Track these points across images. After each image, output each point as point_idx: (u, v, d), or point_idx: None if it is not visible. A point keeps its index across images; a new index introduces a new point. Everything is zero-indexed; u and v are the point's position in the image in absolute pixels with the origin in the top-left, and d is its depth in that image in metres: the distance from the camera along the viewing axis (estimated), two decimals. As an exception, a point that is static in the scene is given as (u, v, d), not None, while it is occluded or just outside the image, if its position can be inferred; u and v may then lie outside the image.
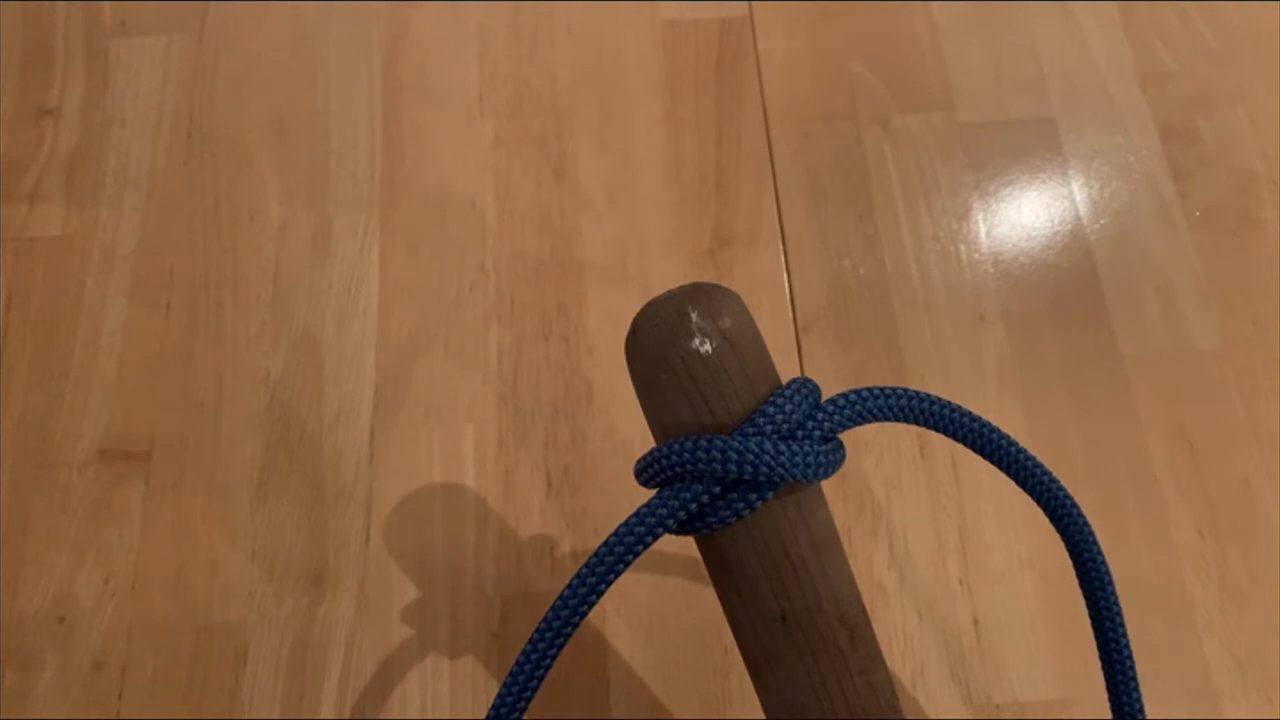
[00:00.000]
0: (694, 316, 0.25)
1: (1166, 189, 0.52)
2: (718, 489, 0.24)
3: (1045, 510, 0.29)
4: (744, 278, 0.49)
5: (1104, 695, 0.31)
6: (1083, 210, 0.52)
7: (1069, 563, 0.30)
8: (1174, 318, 0.49)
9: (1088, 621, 0.30)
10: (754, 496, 0.24)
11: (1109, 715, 0.31)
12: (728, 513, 0.25)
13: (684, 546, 0.44)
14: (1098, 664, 0.31)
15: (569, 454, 0.46)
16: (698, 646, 0.42)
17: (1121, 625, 0.30)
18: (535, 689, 0.26)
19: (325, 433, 0.46)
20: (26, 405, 0.46)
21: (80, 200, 0.51)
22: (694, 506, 0.24)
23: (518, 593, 0.43)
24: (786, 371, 0.40)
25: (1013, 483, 0.29)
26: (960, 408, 0.27)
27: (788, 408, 0.25)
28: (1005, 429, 0.28)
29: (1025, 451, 0.28)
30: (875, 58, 0.55)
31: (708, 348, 0.24)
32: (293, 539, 0.44)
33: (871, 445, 0.46)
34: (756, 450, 0.24)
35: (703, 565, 0.27)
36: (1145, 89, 0.55)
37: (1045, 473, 0.28)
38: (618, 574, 0.25)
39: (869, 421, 0.26)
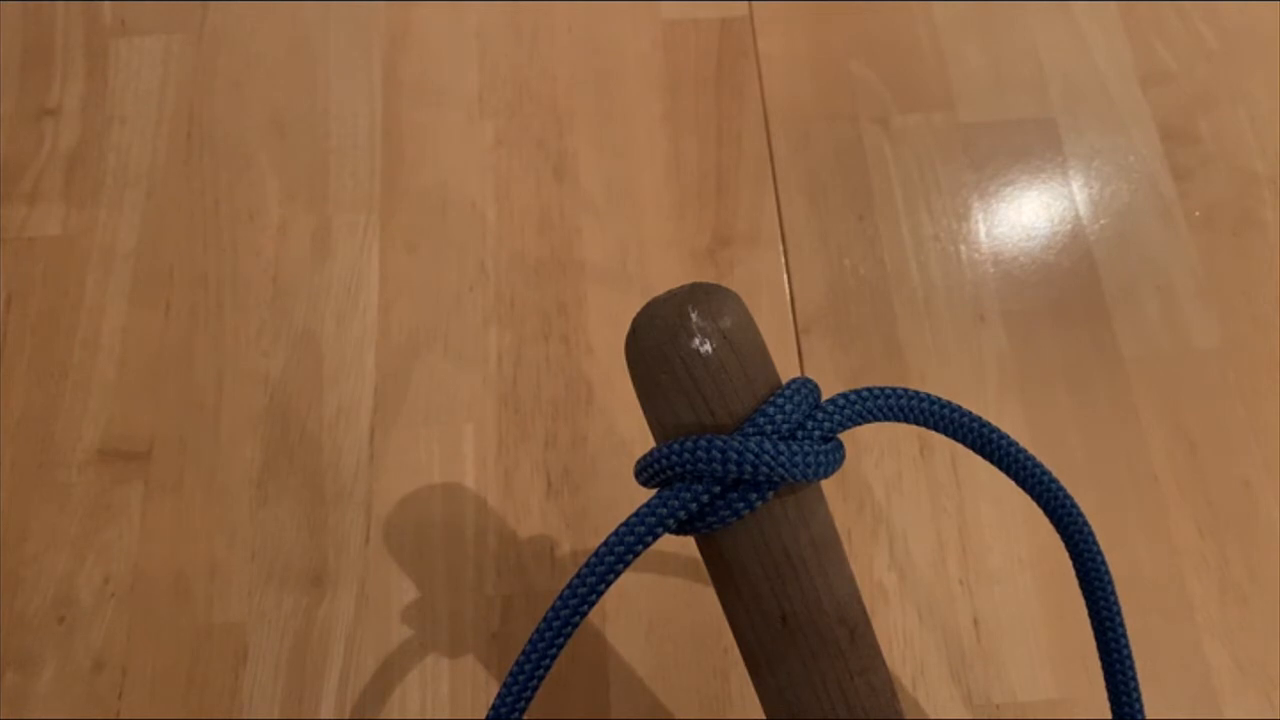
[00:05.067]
0: (694, 316, 0.25)
1: (1167, 189, 0.52)
2: (718, 489, 0.24)
3: (1045, 510, 0.29)
4: (744, 278, 0.49)
5: (1104, 695, 0.31)
6: (1083, 210, 0.52)
7: (1069, 563, 0.30)
8: (1174, 318, 0.49)
9: (1088, 621, 0.30)
10: (754, 496, 0.24)
11: (1109, 715, 0.31)
12: (728, 513, 0.25)
13: (684, 546, 0.44)
14: (1098, 664, 0.31)
15: (569, 454, 0.46)
16: (698, 646, 0.42)
17: (1121, 625, 0.30)
18: (535, 689, 0.26)
19: (325, 433, 0.46)
20: (26, 405, 0.46)
21: (80, 200, 0.51)
22: (694, 506, 0.24)
23: (518, 593, 0.43)
24: (786, 371, 0.40)
25: (1013, 483, 0.29)
26: (960, 408, 0.27)
27: (788, 408, 0.25)
28: (1005, 429, 0.28)
29: (1025, 451, 0.28)
30: (875, 58, 0.55)
31: (708, 348, 0.24)
32: (293, 539, 0.44)
33: (871, 445, 0.46)
34: (756, 450, 0.24)
35: (703, 565, 0.27)
36: (1145, 89, 0.55)
37: (1045, 473, 0.28)
38: (618, 574, 0.25)
39: (869, 421, 0.26)
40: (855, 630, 0.26)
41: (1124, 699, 0.30)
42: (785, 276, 0.50)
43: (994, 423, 0.28)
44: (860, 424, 0.26)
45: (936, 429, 0.27)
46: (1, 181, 0.51)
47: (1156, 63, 0.55)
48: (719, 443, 0.24)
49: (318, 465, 0.45)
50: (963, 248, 0.51)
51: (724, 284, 0.27)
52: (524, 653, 0.26)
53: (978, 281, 0.50)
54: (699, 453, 0.24)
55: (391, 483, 0.45)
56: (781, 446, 0.24)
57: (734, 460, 0.24)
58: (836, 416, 0.26)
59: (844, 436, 0.42)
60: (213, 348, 0.48)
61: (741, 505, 0.24)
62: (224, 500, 0.45)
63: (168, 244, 0.50)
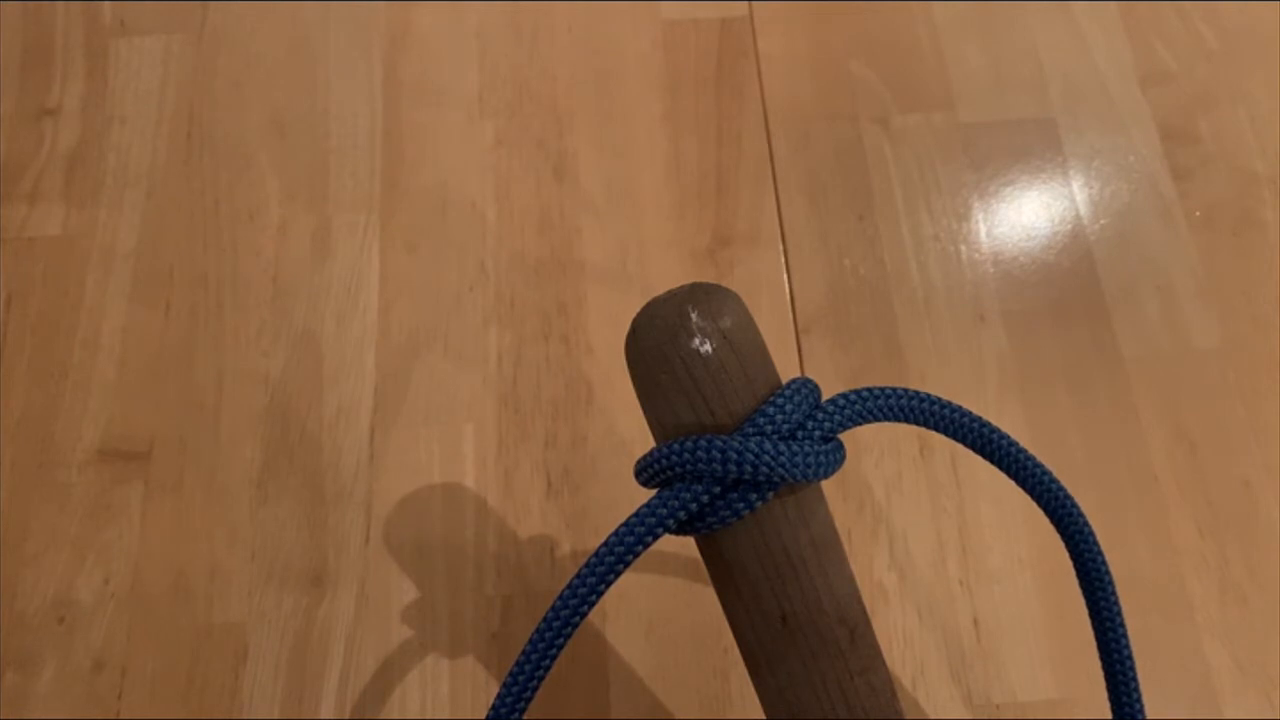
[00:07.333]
0: (694, 316, 0.25)
1: (1166, 189, 0.52)
2: (718, 489, 0.24)
3: (1045, 510, 0.29)
4: (744, 278, 0.49)
5: (1104, 695, 0.31)
6: (1083, 210, 0.52)
7: (1069, 563, 0.30)
8: (1174, 318, 0.49)
9: (1088, 621, 0.30)
10: (754, 496, 0.24)
11: (1109, 715, 0.31)
12: (728, 513, 0.25)
13: (684, 546, 0.44)
14: (1098, 664, 0.31)
15: (569, 454, 0.46)
16: (698, 646, 0.42)
17: (1121, 625, 0.30)
18: (535, 689, 0.26)
19: (325, 433, 0.46)
20: (26, 405, 0.46)
21: (80, 200, 0.51)
22: (694, 506, 0.24)
23: (518, 593, 0.43)
24: (786, 371, 0.40)
25: (1013, 483, 0.29)
26: (960, 408, 0.27)
27: (788, 408, 0.25)
28: (1005, 429, 0.28)
29: (1025, 451, 0.28)
30: (875, 58, 0.55)
31: (708, 348, 0.24)
32: (293, 539, 0.44)
33: (871, 445, 0.46)
34: (756, 450, 0.24)
35: (703, 565, 0.27)
36: (1145, 89, 0.55)
37: (1045, 473, 0.28)
38: (618, 574, 0.25)
39: (869, 421, 0.26)
40: (855, 630, 0.26)
41: (1124, 699, 0.30)
42: (785, 276, 0.50)
43: (994, 423, 0.28)
44: (860, 424, 0.26)
45: (936, 429, 0.27)
46: (1, 181, 0.51)
47: (1156, 63, 0.55)
48: (719, 443, 0.24)
49: (318, 465, 0.45)
50: (963, 248, 0.51)
51: (724, 284, 0.27)
52: (524, 653, 0.26)
53: (978, 281, 0.50)
54: (699, 453, 0.24)
55: (391, 483, 0.45)
56: (781, 447, 0.24)
57: (734, 460, 0.24)
58: (836, 417, 0.26)
59: (844, 436, 0.42)
60: (213, 348, 0.48)
61: (741, 505, 0.24)
62: (224, 500, 0.45)
63: (168, 244, 0.50)
